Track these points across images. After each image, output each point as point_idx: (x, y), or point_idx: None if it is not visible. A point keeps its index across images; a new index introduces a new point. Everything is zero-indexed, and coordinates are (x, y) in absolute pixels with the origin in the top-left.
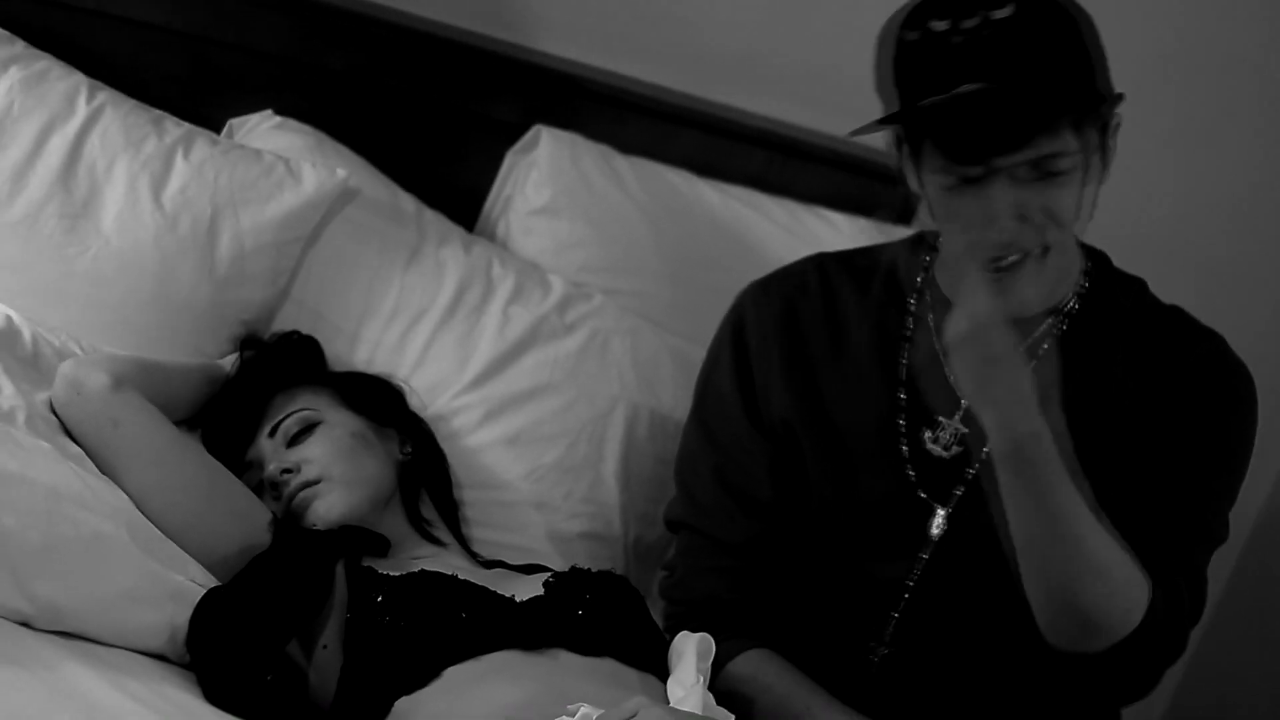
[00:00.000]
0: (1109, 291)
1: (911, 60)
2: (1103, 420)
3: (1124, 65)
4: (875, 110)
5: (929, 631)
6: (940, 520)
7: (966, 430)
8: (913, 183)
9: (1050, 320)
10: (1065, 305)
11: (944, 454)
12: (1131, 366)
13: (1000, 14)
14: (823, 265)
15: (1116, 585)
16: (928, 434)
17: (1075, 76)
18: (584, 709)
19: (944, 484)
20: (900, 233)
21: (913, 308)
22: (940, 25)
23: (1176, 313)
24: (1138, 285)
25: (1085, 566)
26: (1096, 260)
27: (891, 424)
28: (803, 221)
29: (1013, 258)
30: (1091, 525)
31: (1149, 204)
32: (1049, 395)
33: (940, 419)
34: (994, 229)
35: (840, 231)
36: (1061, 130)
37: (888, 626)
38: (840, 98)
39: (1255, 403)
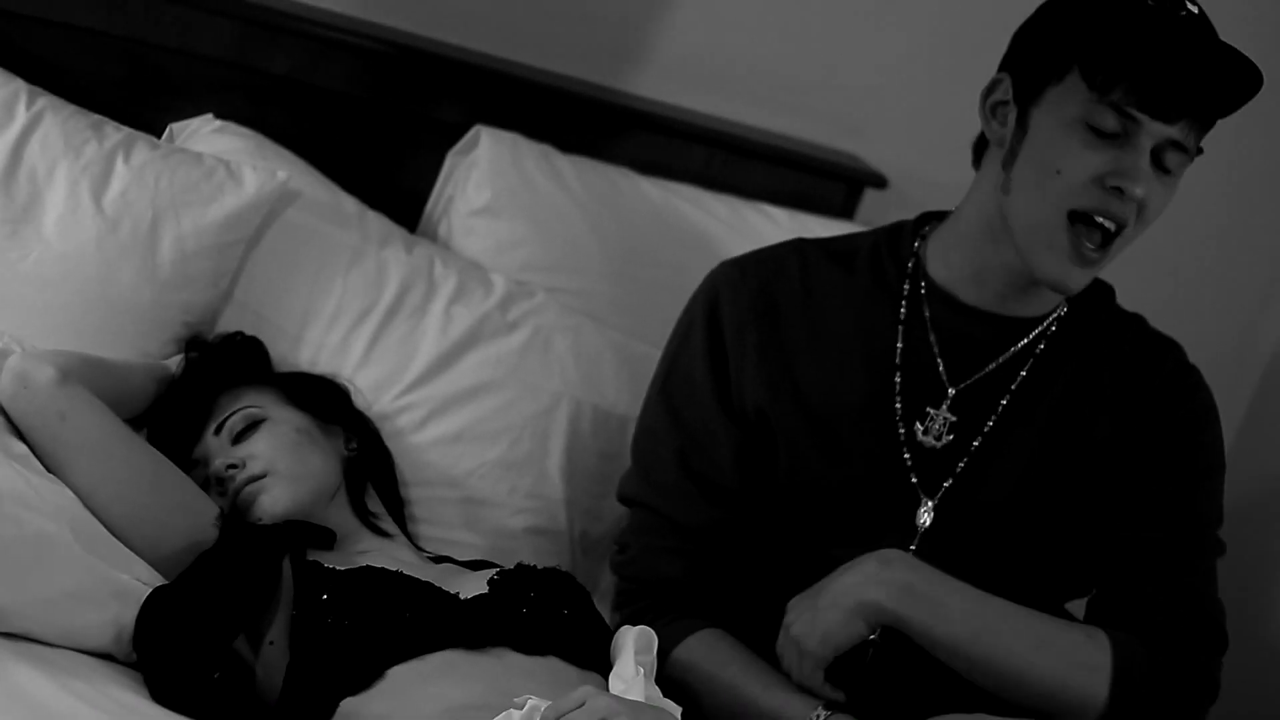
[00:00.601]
0: (1088, 296)
1: (1134, 15)
2: (1094, 432)
3: None
4: (817, 109)
5: None
6: (927, 511)
7: (956, 419)
8: (996, 128)
9: (1045, 322)
10: (1058, 311)
11: (935, 444)
12: (1111, 375)
13: (1192, 8)
14: (801, 249)
15: (1061, 649)
16: (918, 425)
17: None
18: (531, 700)
19: (934, 475)
20: (845, 227)
21: (906, 294)
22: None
23: (1138, 322)
24: (1108, 292)
25: (1026, 650)
26: None
27: (882, 412)
28: (744, 217)
29: (1109, 224)
30: (1002, 617)
31: None
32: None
33: (929, 409)
34: (1134, 181)
35: (781, 226)
36: (1211, 125)
37: None
38: (781, 95)
39: (1218, 412)
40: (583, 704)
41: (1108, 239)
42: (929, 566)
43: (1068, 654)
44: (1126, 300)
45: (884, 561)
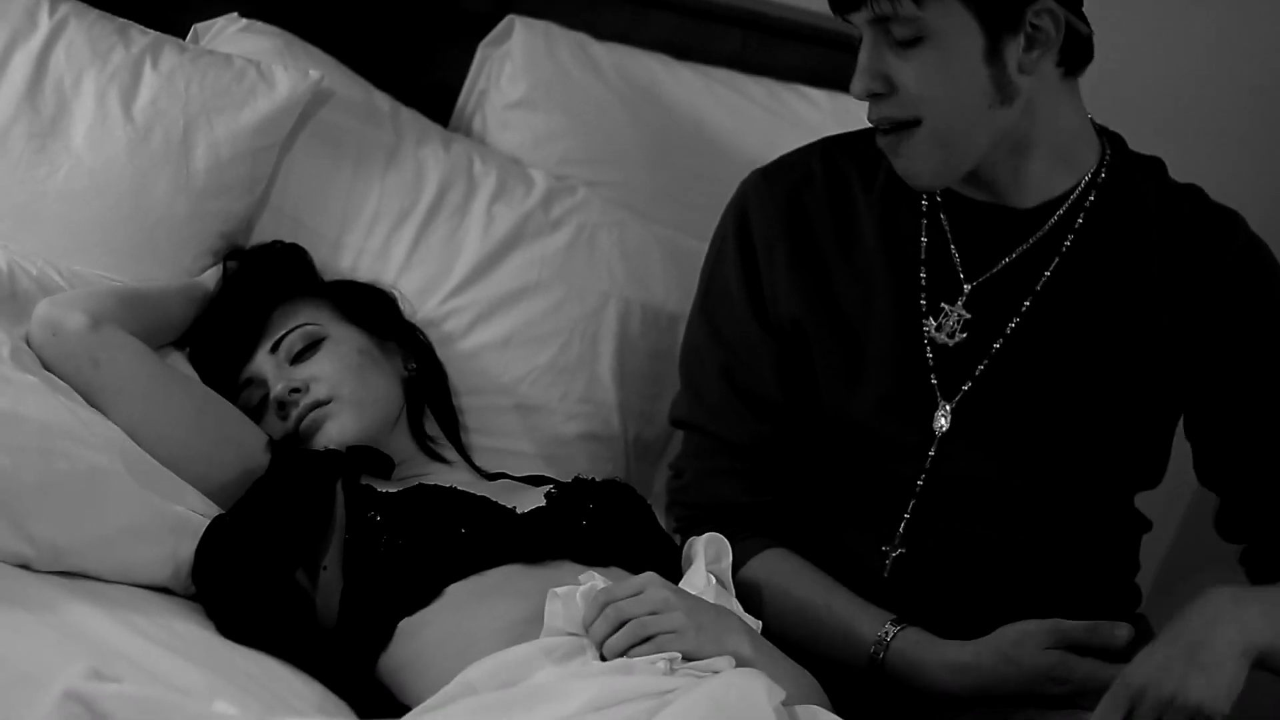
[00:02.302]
0: (1129, 178)
1: None
2: (1145, 319)
3: None
4: None
5: (940, 531)
6: (944, 415)
7: (970, 316)
8: None
9: (1059, 214)
10: (1073, 194)
11: (948, 341)
12: (1165, 260)
13: None
14: (827, 153)
15: None
16: (931, 322)
17: None
18: (595, 579)
19: (953, 377)
20: None
21: (925, 197)
22: None
23: (1196, 193)
24: (1157, 167)
25: None
26: (1114, 145)
27: (908, 312)
28: (783, 100)
29: (884, 126)
30: None
31: (1126, 65)
32: None
33: (943, 305)
34: (855, 86)
35: (821, 109)
36: None
37: (898, 527)
38: None
39: None
40: (640, 592)
41: (887, 131)
42: (1255, 589)
43: None
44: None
45: (1236, 601)
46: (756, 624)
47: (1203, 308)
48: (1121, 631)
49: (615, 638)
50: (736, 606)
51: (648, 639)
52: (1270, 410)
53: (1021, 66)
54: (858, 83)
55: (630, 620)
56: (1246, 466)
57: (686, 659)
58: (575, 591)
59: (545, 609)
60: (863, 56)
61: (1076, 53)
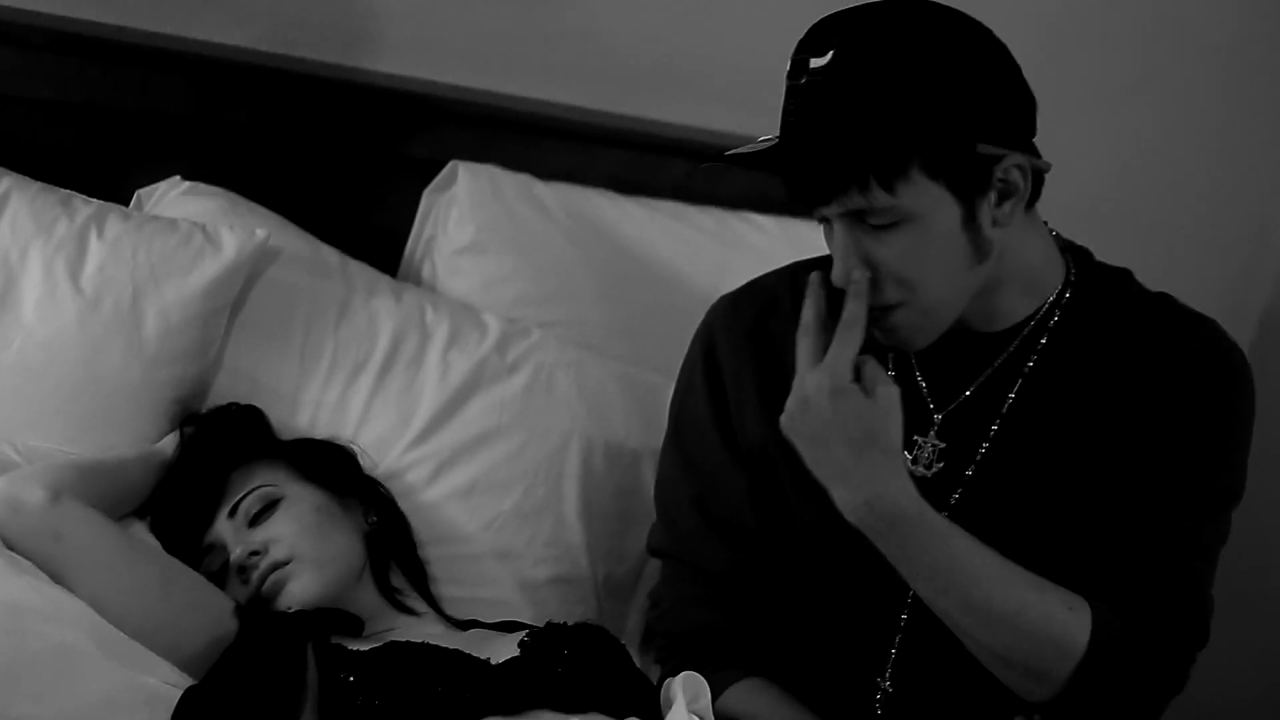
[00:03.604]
0: (1093, 293)
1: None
2: (1108, 434)
3: (1041, 26)
4: None
5: (929, 664)
6: None
7: (945, 445)
8: None
9: (1023, 335)
10: (1036, 316)
11: (926, 473)
12: (1127, 371)
13: (817, 63)
14: (794, 277)
15: (1031, 625)
16: (907, 455)
17: (870, 136)
18: None
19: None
20: None
21: None
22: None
23: (1165, 301)
24: (1123, 278)
25: (987, 614)
26: (1079, 260)
27: None
28: (731, 228)
29: (861, 304)
30: (979, 572)
31: (1077, 169)
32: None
33: (915, 438)
34: (836, 272)
35: (770, 234)
36: (869, 188)
37: (888, 661)
38: (757, 97)
39: (1250, 391)
40: None
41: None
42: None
43: (1040, 628)
44: (1116, 260)
45: (873, 506)
46: None
47: (1152, 408)
48: None
49: None
50: None
51: None
52: (1162, 496)
53: (995, 220)
54: (840, 270)
55: None
56: (1121, 537)
57: None
58: None
59: None
60: (838, 244)
61: (1036, 188)
